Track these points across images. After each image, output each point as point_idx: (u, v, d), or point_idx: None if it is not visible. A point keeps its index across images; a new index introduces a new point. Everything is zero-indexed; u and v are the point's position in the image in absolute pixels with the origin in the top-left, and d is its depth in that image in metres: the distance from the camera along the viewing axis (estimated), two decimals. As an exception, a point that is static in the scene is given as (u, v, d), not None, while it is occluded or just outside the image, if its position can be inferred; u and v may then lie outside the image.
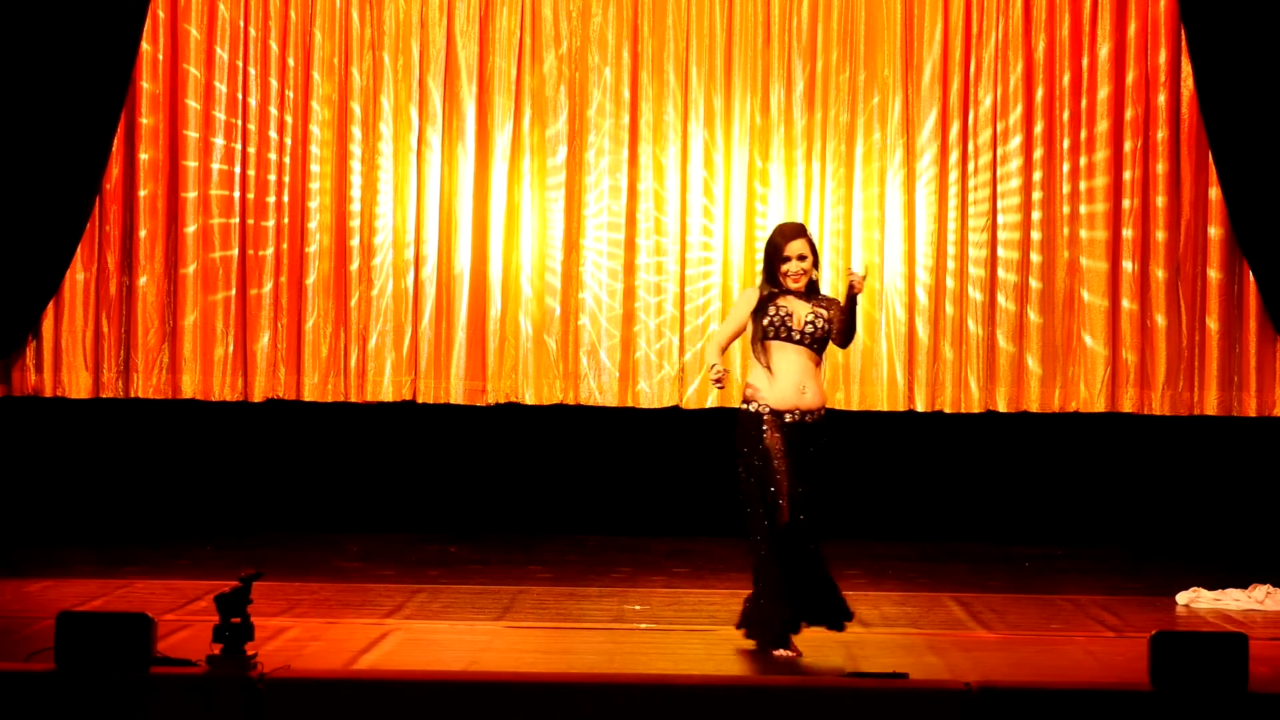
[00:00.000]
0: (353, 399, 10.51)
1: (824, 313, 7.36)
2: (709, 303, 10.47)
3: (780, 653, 7.24)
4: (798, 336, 7.33)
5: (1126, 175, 10.37)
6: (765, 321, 7.35)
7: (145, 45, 10.34)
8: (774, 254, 7.40)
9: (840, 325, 7.36)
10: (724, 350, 7.44)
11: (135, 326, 10.44)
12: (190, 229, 10.45)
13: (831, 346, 7.44)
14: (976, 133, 10.46)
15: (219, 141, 10.47)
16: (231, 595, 6.14)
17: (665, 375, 10.45)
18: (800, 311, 7.35)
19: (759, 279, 7.51)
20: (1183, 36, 10.18)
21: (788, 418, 7.31)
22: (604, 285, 10.43)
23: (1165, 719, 5.90)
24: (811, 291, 7.40)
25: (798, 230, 7.49)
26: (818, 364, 7.40)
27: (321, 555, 9.88)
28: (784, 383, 7.32)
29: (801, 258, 7.37)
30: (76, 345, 10.42)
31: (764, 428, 7.30)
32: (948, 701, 5.95)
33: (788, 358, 7.33)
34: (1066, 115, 10.40)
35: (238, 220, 10.49)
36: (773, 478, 7.30)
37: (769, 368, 7.34)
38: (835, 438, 7.49)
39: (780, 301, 7.36)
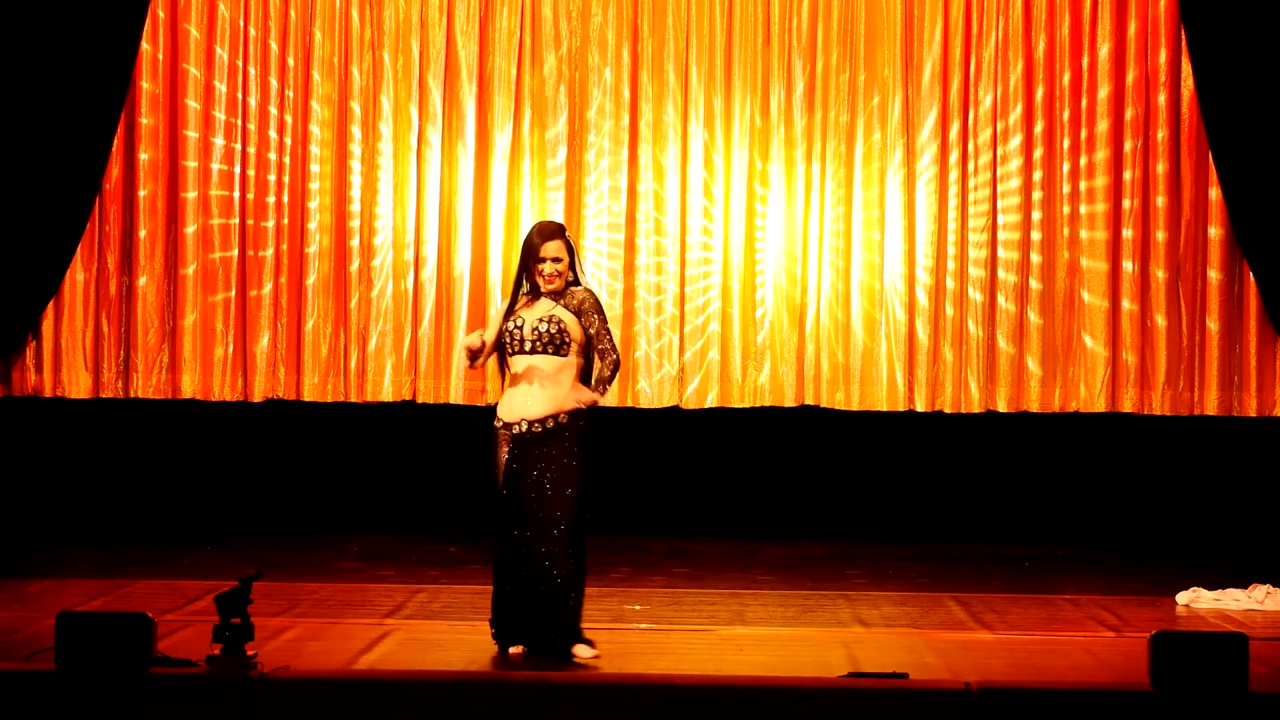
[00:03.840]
0: (353, 399, 10.51)
1: (561, 314, 7.15)
2: (709, 302, 10.47)
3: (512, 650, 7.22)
4: (528, 346, 7.15)
5: (1126, 175, 10.37)
6: (503, 336, 7.21)
7: (145, 45, 10.34)
8: (530, 254, 7.21)
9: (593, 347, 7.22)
10: (492, 351, 7.30)
11: (135, 326, 10.45)
12: (190, 229, 10.45)
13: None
14: (976, 132, 10.46)
15: (219, 141, 10.47)
16: (231, 595, 6.14)
17: (665, 375, 10.45)
18: (530, 319, 7.17)
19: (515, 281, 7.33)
20: (1183, 36, 10.18)
21: (516, 429, 7.16)
22: (604, 285, 10.42)
23: (1165, 719, 5.90)
24: (563, 293, 7.21)
25: (555, 231, 7.26)
26: (557, 368, 7.15)
27: (321, 555, 9.88)
28: (515, 394, 7.18)
29: (556, 260, 7.16)
30: (76, 345, 10.42)
31: (497, 443, 7.22)
32: (948, 701, 5.95)
33: (520, 369, 7.18)
34: (1066, 115, 10.40)
35: (237, 220, 10.49)
36: (499, 491, 7.23)
37: (505, 383, 7.24)
38: (584, 442, 7.21)
39: (520, 311, 7.20)
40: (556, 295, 7.21)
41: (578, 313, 7.18)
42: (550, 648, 7.12)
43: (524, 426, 7.15)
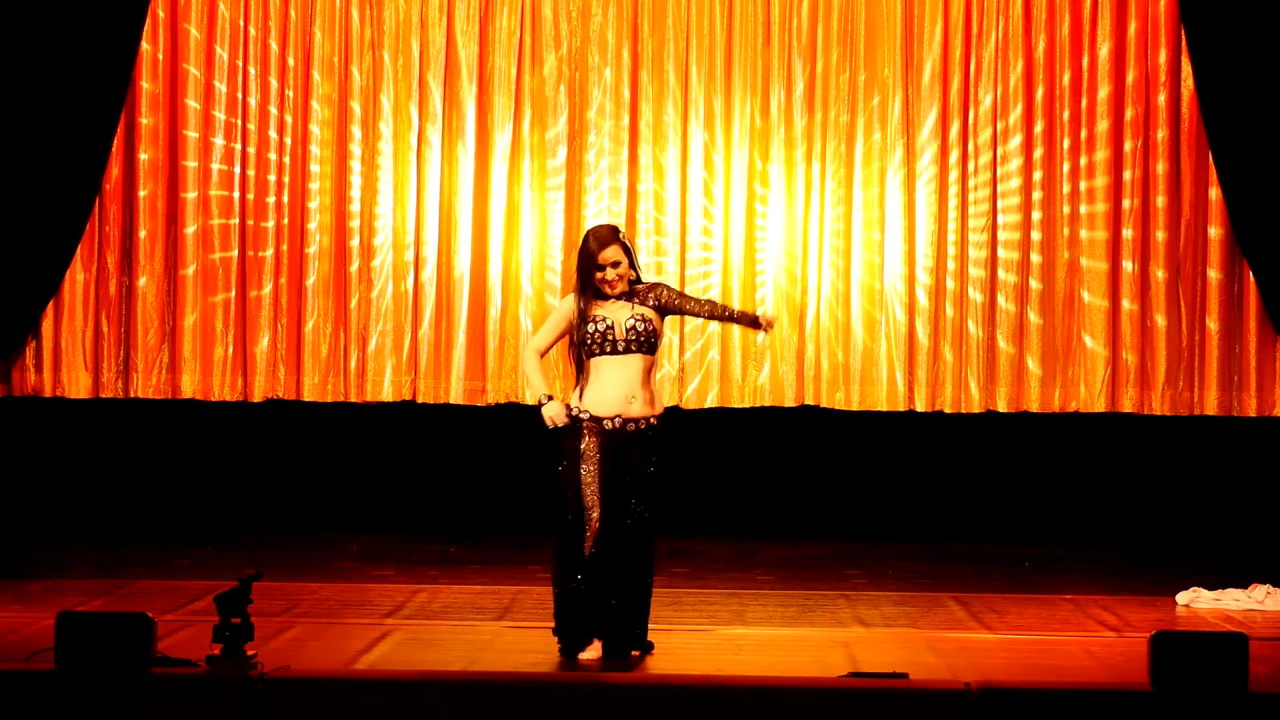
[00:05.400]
0: (353, 399, 10.51)
1: (646, 311, 7.19)
2: (709, 303, 10.47)
3: (582, 655, 7.16)
4: (622, 347, 7.16)
5: (1126, 175, 10.37)
6: (587, 337, 7.17)
7: (145, 45, 10.34)
8: (588, 263, 7.18)
9: (712, 316, 7.40)
10: (543, 356, 7.34)
11: (135, 326, 10.44)
12: (190, 229, 10.45)
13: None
14: (976, 132, 10.46)
15: (219, 141, 10.47)
16: (231, 595, 6.14)
17: (665, 374, 10.44)
18: (620, 319, 7.18)
19: (575, 286, 7.28)
20: (1183, 36, 10.18)
21: (607, 424, 7.15)
22: (604, 285, 10.42)
23: (1165, 719, 5.90)
24: (631, 292, 7.23)
25: (610, 235, 7.22)
26: (650, 366, 7.22)
27: (321, 555, 9.88)
28: (609, 392, 7.16)
29: (615, 264, 7.15)
30: (76, 345, 10.42)
31: (581, 434, 7.16)
32: (948, 701, 5.95)
33: (614, 369, 7.16)
34: (1066, 115, 10.40)
35: (237, 221, 10.48)
36: (582, 485, 7.17)
37: (588, 382, 7.17)
38: (668, 447, 7.30)
39: (598, 312, 7.18)
40: (627, 296, 7.22)
41: (657, 306, 7.22)
42: (630, 645, 7.18)
43: (618, 423, 7.16)
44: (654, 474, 7.26)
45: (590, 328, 7.17)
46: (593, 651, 7.17)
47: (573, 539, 7.20)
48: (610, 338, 7.16)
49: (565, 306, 7.31)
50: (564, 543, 7.24)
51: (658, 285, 7.31)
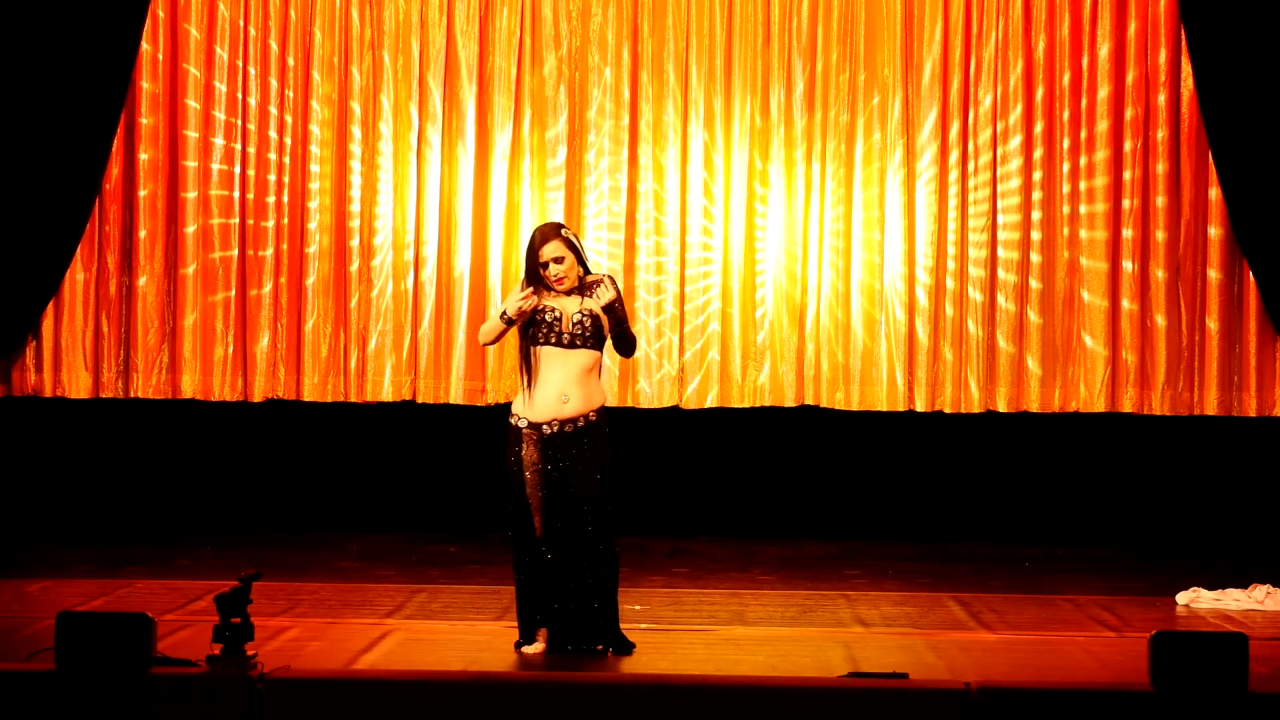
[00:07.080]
0: (353, 399, 10.52)
1: (594, 306, 7.15)
2: (709, 302, 10.48)
3: (526, 650, 7.20)
4: (566, 340, 7.13)
5: (1126, 175, 10.38)
6: (533, 328, 7.15)
7: (145, 45, 10.35)
8: (533, 259, 7.18)
9: (614, 335, 7.22)
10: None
11: (135, 326, 10.45)
12: (190, 229, 10.45)
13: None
14: (976, 132, 10.46)
15: (219, 141, 10.47)
16: (231, 595, 6.14)
17: (665, 374, 10.45)
18: (569, 311, 7.16)
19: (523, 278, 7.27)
20: (1183, 36, 10.18)
21: (546, 430, 7.14)
22: (604, 285, 10.42)
23: (1165, 719, 5.90)
24: (582, 287, 7.20)
25: (552, 231, 7.23)
26: (593, 363, 7.18)
27: (321, 555, 9.88)
28: (546, 392, 7.14)
29: (558, 260, 7.13)
30: (76, 345, 10.42)
31: (521, 443, 7.14)
32: (948, 701, 5.95)
33: (554, 364, 7.14)
34: (1066, 115, 10.40)
35: (237, 220, 10.49)
36: (525, 492, 7.14)
37: (534, 376, 7.14)
38: (611, 440, 7.24)
39: (549, 302, 7.16)
40: (579, 290, 7.19)
41: (606, 305, 7.17)
42: (595, 641, 7.18)
43: (555, 427, 7.14)
44: (604, 470, 7.18)
45: (539, 317, 7.14)
46: (537, 646, 7.19)
47: (520, 540, 7.19)
48: (557, 329, 7.14)
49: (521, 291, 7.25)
50: (515, 542, 7.23)
51: (603, 282, 7.20)
